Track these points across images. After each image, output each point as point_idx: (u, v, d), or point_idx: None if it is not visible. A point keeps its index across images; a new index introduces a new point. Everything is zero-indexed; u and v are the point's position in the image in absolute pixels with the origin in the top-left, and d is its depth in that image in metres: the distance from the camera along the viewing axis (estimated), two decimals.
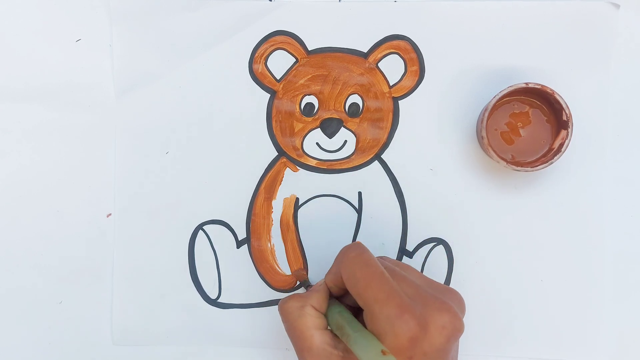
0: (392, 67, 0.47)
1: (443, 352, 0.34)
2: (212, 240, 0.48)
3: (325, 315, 0.39)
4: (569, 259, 0.47)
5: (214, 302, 0.48)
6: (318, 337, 0.37)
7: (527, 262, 0.47)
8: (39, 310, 0.48)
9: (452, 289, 0.38)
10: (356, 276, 0.36)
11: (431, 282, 0.38)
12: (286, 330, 0.39)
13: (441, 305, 0.35)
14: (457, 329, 0.34)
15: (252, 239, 0.48)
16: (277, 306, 0.47)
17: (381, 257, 0.41)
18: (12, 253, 0.48)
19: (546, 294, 0.46)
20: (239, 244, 0.48)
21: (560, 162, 0.44)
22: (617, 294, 0.46)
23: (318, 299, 0.39)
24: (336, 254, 0.47)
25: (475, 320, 0.46)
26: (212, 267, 0.48)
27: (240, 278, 0.48)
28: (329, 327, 0.38)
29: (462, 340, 0.40)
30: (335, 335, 0.38)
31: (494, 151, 0.43)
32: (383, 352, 0.33)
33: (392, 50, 0.47)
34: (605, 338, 0.46)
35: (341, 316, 0.37)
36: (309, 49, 0.48)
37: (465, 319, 0.39)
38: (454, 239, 0.47)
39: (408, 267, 0.40)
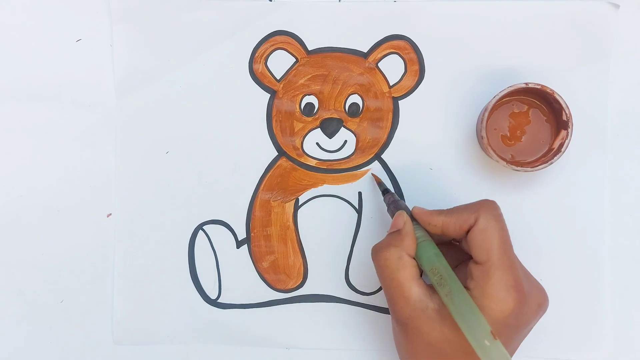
0: (392, 67, 0.47)
1: (529, 327, 0.39)
2: (212, 240, 0.48)
3: (416, 254, 0.39)
4: (569, 259, 0.47)
5: (214, 302, 0.48)
6: (415, 290, 0.38)
7: (527, 261, 0.46)
8: (40, 310, 0.48)
9: None
10: (495, 233, 0.37)
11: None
12: (381, 278, 0.39)
13: (539, 285, 0.40)
14: (545, 308, 0.39)
15: (252, 239, 0.48)
16: (276, 306, 0.48)
17: None
18: (12, 253, 0.48)
19: None
20: (239, 244, 0.48)
21: (560, 162, 0.44)
22: (617, 293, 0.46)
23: (411, 245, 0.39)
24: (336, 254, 0.47)
25: None
26: (212, 267, 0.48)
27: (240, 278, 0.48)
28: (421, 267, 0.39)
29: None
30: (429, 285, 0.38)
31: (494, 151, 0.43)
32: (493, 335, 0.34)
33: (392, 50, 0.47)
34: (605, 337, 0.46)
35: (439, 262, 0.38)
36: (309, 49, 0.48)
37: None
38: None
39: None
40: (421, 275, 0.39)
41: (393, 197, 0.44)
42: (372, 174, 0.47)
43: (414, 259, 0.39)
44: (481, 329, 0.34)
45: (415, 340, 0.38)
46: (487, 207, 0.38)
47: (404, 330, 0.38)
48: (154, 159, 0.48)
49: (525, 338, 0.46)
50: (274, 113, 0.48)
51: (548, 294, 0.46)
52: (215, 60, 0.48)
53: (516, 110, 0.45)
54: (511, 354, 0.39)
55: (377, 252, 0.39)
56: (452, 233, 0.39)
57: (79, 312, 0.48)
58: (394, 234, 0.40)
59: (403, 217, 0.40)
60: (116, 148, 0.48)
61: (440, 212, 0.40)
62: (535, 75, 0.46)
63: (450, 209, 0.40)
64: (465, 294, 0.36)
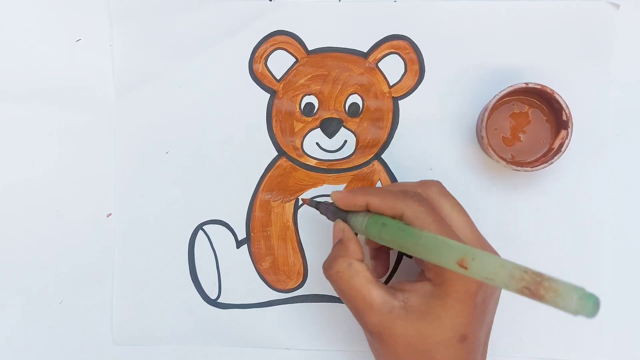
0: (392, 67, 0.47)
1: (495, 301, 0.38)
2: (212, 240, 0.48)
3: (364, 227, 0.38)
4: (569, 259, 0.47)
5: (213, 302, 0.48)
6: (376, 292, 0.36)
7: (527, 261, 0.46)
8: (39, 310, 0.48)
9: None
10: (425, 218, 0.36)
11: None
12: (339, 292, 0.38)
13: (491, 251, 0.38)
14: None
15: (252, 239, 0.48)
16: (276, 307, 0.48)
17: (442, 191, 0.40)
18: (12, 253, 0.48)
19: None
20: (239, 244, 0.48)
21: (560, 162, 0.44)
22: (617, 293, 0.46)
23: (356, 249, 0.38)
24: None
25: None
26: (212, 267, 0.48)
27: (240, 278, 0.48)
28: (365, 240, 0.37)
29: None
30: (388, 286, 0.37)
31: (494, 151, 0.43)
32: (461, 264, 0.31)
33: (392, 50, 0.47)
34: (605, 338, 0.46)
35: (398, 230, 0.35)
36: (309, 49, 0.48)
37: None
38: None
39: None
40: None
41: (326, 204, 0.42)
42: (301, 199, 0.47)
43: (364, 262, 0.38)
44: (453, 252, 0.31)
45: (393, 346, 0.36)
46: (412, 200, 0.37)
47: (379, 339, 0.37)
48: (153, 159, 0.48)
49: (526, 338, 0.47)
50: (274, 113, 0.48)
51: None
52: (215, 60, 0.48)
53: (516, 110, 0.45)
54: (488, 328, 0.38)
55: (327, 268, 0.38)
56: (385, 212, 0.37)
57: (79, 312, 0.48)
58: (337, 245, 0.39)
59: (340, 224, 0.40)
60: (116, 148, 0.48)
61: (364, 192, 0.38)
62: (535, 75, 0.46)
63: (378, 188, 0.39)
64: (425, 232, 0.34)
